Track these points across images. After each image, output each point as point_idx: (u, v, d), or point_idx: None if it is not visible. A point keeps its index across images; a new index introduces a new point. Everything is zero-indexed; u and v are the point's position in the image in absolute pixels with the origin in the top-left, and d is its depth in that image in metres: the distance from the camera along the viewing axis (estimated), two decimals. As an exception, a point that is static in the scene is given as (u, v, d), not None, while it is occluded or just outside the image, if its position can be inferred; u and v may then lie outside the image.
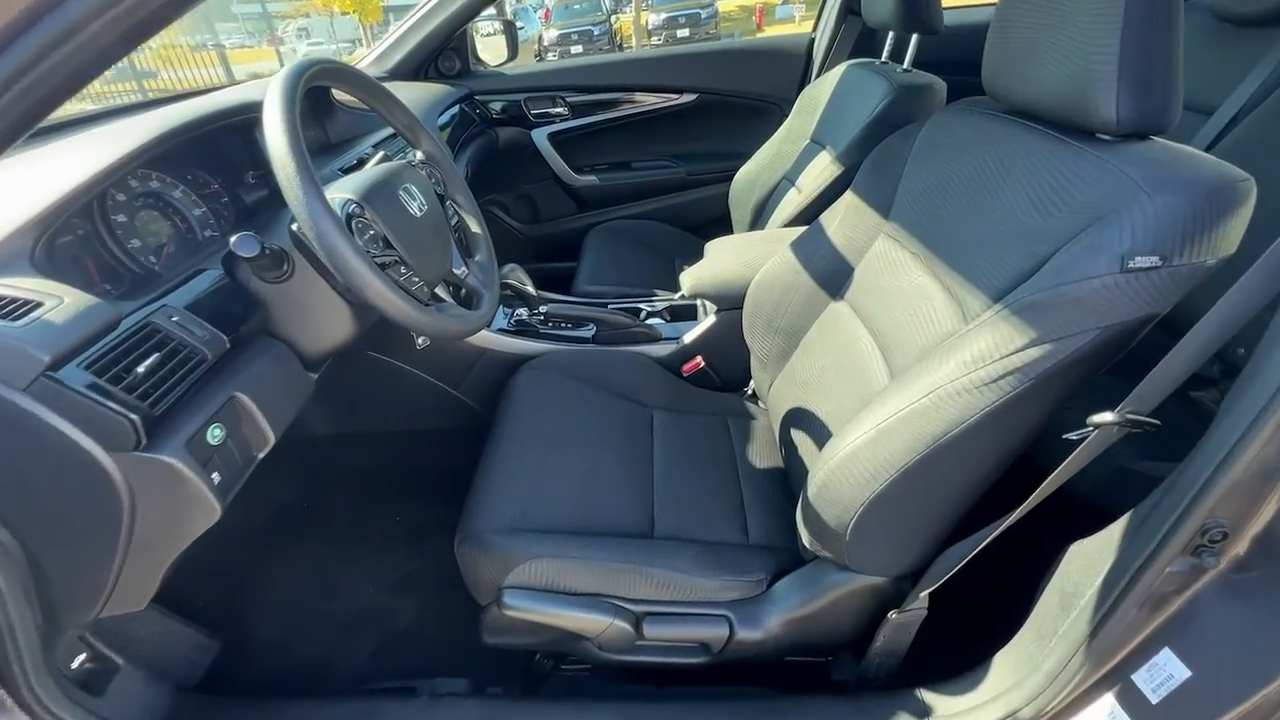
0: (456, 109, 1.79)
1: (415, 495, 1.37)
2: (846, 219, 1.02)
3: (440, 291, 1.01)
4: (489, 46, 2.07)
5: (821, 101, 1.63)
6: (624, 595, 0.83)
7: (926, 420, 0.65)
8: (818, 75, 1.85)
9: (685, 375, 1.28)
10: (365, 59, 1.82)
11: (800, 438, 0.98)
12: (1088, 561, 0.65)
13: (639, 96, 2.00)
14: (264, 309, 0.79)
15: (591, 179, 2.08)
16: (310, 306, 0.80)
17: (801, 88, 1.84)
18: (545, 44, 11.35)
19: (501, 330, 1.32)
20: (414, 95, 1.63)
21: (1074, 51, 0.64)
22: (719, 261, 1.26)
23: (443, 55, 1.85)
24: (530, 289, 1.26)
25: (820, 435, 0.92)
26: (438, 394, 1.32)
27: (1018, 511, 0.67)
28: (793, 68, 1.93)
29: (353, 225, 0.70)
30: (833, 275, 1.02)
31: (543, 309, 1.32)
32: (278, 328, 0.80)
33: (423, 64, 1.83)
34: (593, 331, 1.33)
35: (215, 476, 0.66)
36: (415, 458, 1.40)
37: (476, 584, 0.85)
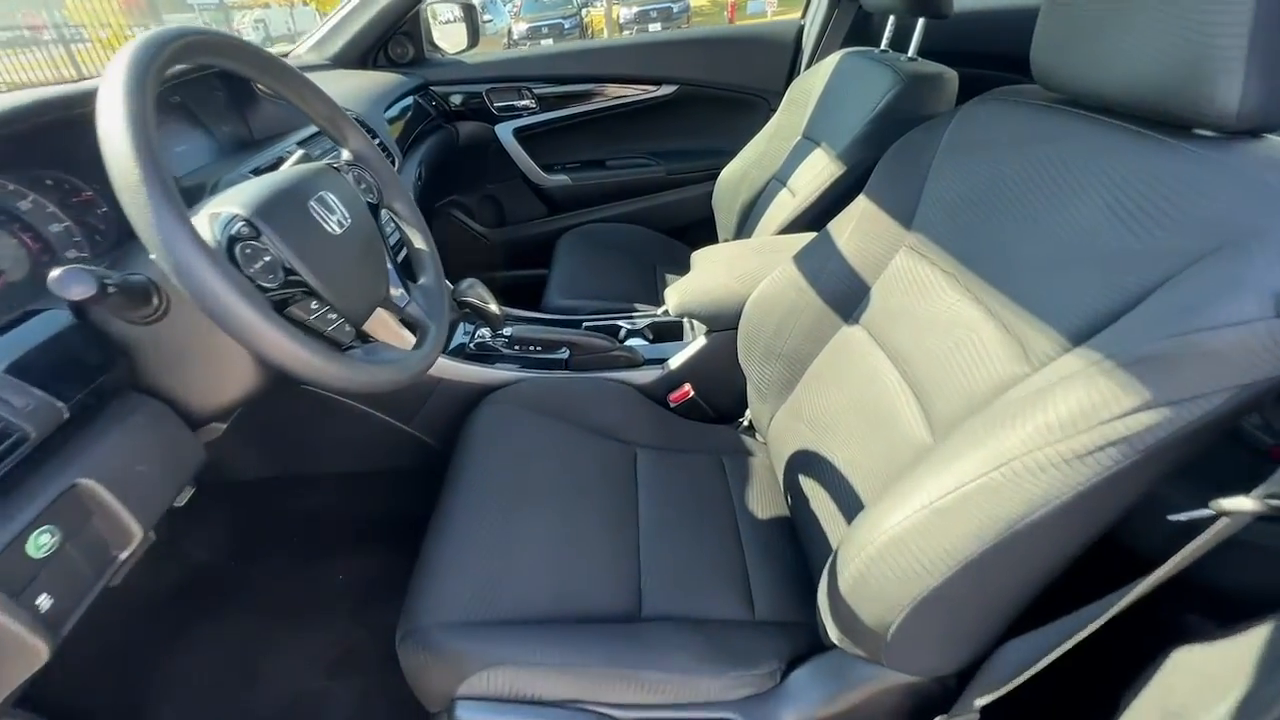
0: (410, 101, 1.60)
1: (361, 548, 1.19)
2: (860, 228, 0.88)
3: (381, 322, 0.84)
4: (447, 35, 1.88)
5: (814, 94, 1.48)
6: (609, 700, 0.67)
7: (999, 500, 0.50)
8: (808, 65, 1.70)
9: (672, 405, 1.13)
10: (303, 44, 1.61)
11: (813, 489, 0.83)
12: (1202, 678, 0.51)
13: (613, 88, 1.83)
14: (130, 358, 0.60)
15: (562, 178, 1.90)
16: (195, 352, 0.62)
17: (790, 79, 1.69)
18: (514, 37, 11.17)
19: (459, 354, 1.14)
20: (358, 85, 1.44)
21: (1176, 25, 0.50)
22: (709, 276, 1.10)
23: (393, 40, 1.66)
24: (493, 307, 1.09)
25: (840, 490, 0.77)
26: (386, 430, 1.14)
27: (1104, 614, 0.53)
28: (780, 57, 1.78)
29: (238, 251, 0.53)
30: (844, 294, 0.88)
31: (507, 331, 1.15)
32: (151, 381, 0.62)
33: (370, 50, 1.63)
34: (565, 355, 1.16)
35: (42, 601, 0.48)
36: (361, 504, 1.22)
37: (423, 692, 0.68)
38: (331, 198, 0.66)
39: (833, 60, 1.46)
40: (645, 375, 1.13)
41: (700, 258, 1.20)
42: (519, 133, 1.83)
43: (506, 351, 1.16)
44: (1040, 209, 0.63)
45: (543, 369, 1.13)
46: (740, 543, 0.88)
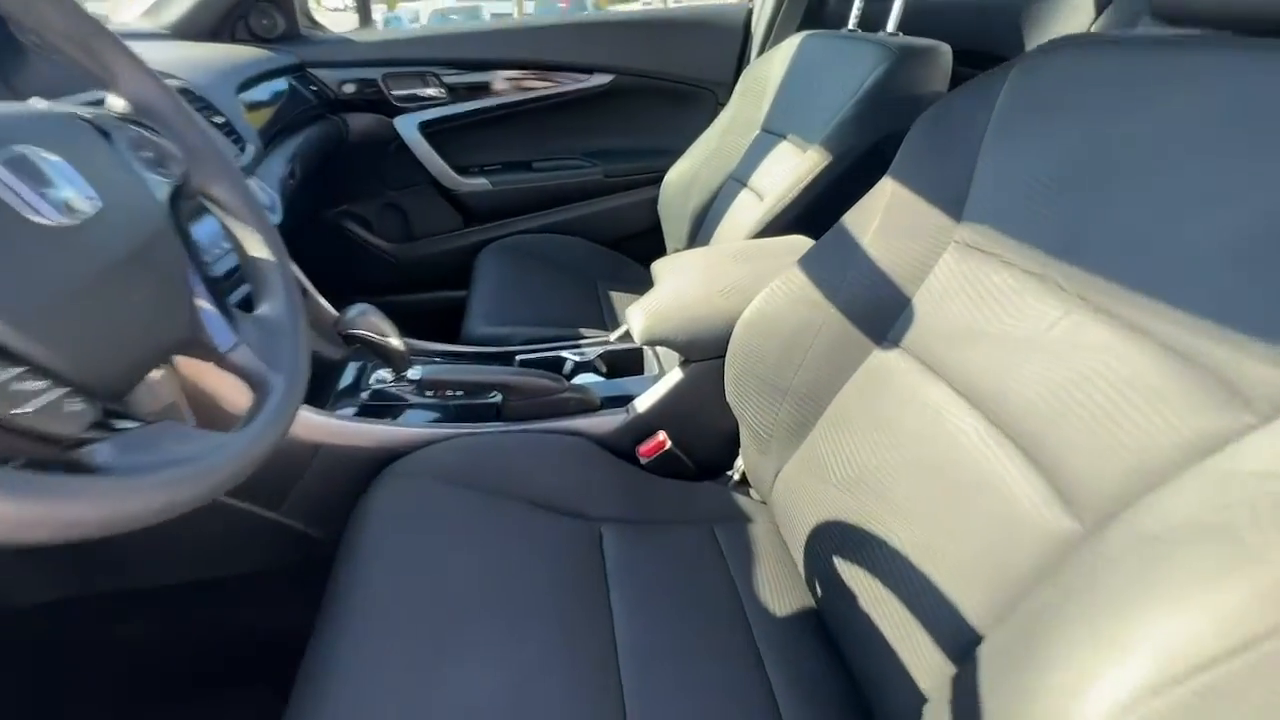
0: (283, 84, 1.28)
1: (213, 691, 0.84)
2: (888, 222, 0.67)
3: (211, 376, 0.54)
4: (337, 23, 1.57)
5: (771, 82, 1.30)
6: None
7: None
8: (760, 52, 1.52)
9: (643, 461, 0.87)
10: (133, 7, 1.25)
11: (865, 584, 0.59)
12: None
13: (539, 77, 1.57)
14: None
15: (480, 182, 1.61)
16: None
17: (740, 68, 1.51)
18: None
19: (348, 406, 0.84)
20: (203, 56, 1.10)
21: None
22: (683, 291, 0.86)
23: (255, 9, 1.32)
24: (394, 341, 0.80)
25: (916, 594, 0.54)
26: (242, 521, 0.80)
27: None
28: (728, 44, 1.59)
29: None
30: (874, 306, 0.66)
31: (414, 372, 0.86)
32: None
33: (225, 19, 1.29)
34: (496, 400, 0.88)
35: None
36: (211, 625, 0.87)
37: None
38: (55, 160, 0.36)
39: (792, 44, 1.28)
40: (605, 422, 0.87)
41: (665, 269, 0.96)
42: (425, 127, 1.53)
43: (414, 400, 0.86)
44: (1201, 177, 0.43)
45: (466, 422, 0.85)
46: (759, 655, 0.63)
